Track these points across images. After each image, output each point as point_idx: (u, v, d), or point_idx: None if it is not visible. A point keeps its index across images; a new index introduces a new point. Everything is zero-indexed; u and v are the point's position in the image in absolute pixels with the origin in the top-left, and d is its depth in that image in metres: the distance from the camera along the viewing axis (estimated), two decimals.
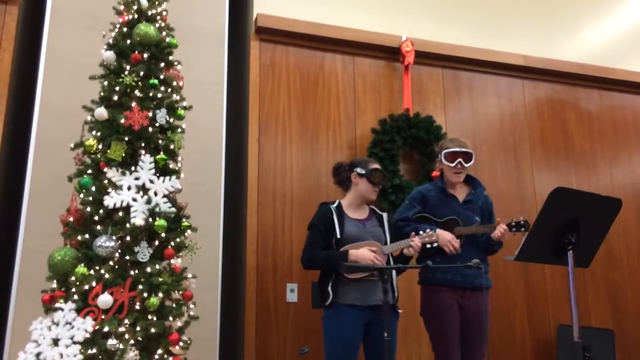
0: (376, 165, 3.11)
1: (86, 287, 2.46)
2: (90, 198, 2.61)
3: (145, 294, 2.50)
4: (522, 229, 3.07)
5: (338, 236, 2.94)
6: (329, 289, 2.88)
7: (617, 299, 4.66)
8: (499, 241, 3.08)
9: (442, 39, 4.61)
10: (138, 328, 2.45)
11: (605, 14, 5.33)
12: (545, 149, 4.83)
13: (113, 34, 2.92)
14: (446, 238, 3.01)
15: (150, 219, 2.62)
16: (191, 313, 2.75)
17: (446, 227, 3.09)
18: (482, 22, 4.90)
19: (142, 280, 2.53)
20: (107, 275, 2.47)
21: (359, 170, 3.07)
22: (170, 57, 2.98)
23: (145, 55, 2.85)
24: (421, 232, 2.94)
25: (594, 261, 2.63)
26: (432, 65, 4.62)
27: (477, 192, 3.27)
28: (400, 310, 3.04)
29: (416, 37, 4.44)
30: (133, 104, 2.73)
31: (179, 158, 2.90)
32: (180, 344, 2.60)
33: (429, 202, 3.20)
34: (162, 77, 2.89)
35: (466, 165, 3.17)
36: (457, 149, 3.17)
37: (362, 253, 2.84)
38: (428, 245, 2.94)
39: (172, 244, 2.69)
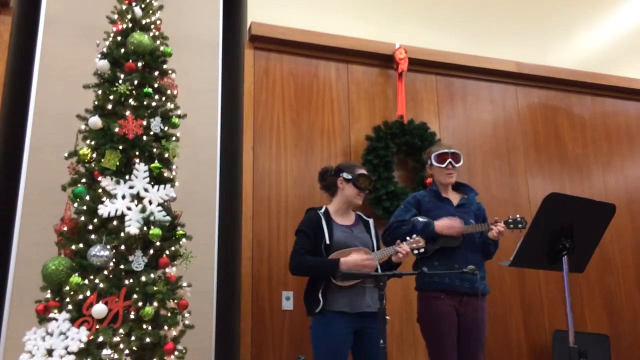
0: (362, 170, 3.09)
1: (80, 296, 2.45)
2: (85, 207, 2.61)
3: (140, 303, 2.49)
4: (520, 226, 3.08)
5: (327, 242, 2.91)
6: (320, 295, 2.84)
7: (611, 304, 4.67)
8: (495, 241, 3.11)
9: (435, 46, 4.63)
10: (133, 338, 2.44)
11: (597, 21, 5.38)
12: (539, 155, 4.85)
13: (107, 42, 2.92)
14: (445, 222, 3.03)
15: (145, 228, 2.61)
16: (186, 322, 2.74)
17: None
18: (475, 29, 4.94)
19: (136, 289, 2.52)
20: (101, 285, 2.47)
21: (345, 175, 3.06)
22: (165, 66, 2.99)
23: (140, 64, 2.86)
24: (407, 238, 2.94)
25: (589, 266, 2.64)
26: (425, 72, 4.64)
27: (470, 197, 3.31)
28: (387, 317, 3.03)
29: (410, 44, 4.47)
30: (127, 113, 2.73)
31: (174, 166, 2.90)
32: (176, 353, 2.59)
33: (423, 206, 3.23)
34: (156, 85, 2.90)
35: (456, 165, 3.21)
36: (446, 150, 3.24)
37: (353, 260, 2.82)
38: (415, 252, 2.92)
39: (167, 252, 2.69)
